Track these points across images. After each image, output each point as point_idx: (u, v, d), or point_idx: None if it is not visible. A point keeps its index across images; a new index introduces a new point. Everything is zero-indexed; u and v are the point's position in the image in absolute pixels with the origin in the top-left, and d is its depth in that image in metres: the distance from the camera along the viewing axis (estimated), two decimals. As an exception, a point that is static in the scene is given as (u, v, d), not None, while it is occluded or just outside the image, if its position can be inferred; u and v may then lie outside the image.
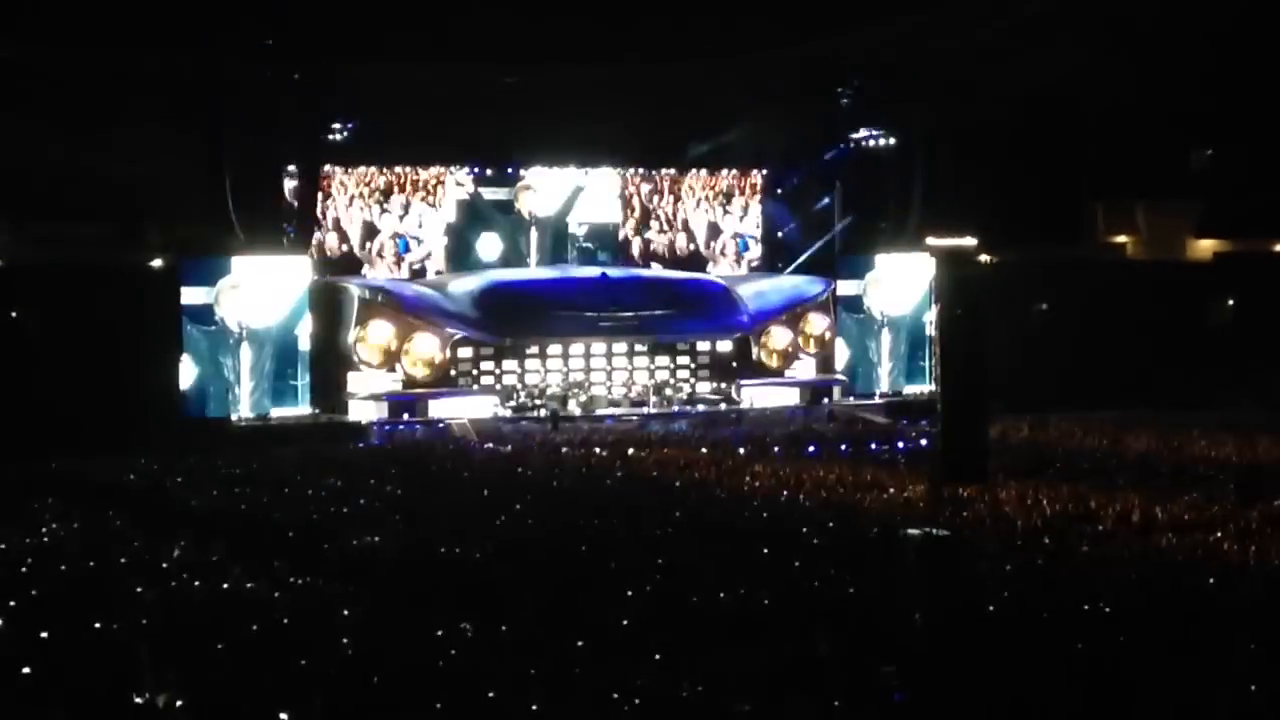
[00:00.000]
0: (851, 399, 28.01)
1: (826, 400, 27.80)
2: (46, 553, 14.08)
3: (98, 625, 10.93)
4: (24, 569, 13.23)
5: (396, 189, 27.98)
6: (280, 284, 24.88)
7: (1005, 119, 30.97)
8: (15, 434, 21.55)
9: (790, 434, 23.72)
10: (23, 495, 17.61)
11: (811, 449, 21.92)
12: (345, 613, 11.41)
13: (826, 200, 30.09)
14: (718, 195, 30.34)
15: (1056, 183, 34.52)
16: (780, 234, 30.76)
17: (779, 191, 30.84)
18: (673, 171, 30.09)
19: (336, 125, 26.47)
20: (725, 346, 27.65)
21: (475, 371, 26.27)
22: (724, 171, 30.42)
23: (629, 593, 11.95)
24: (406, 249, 27.93)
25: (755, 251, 30.53)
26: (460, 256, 28.38)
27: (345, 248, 27.48)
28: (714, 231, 30.29)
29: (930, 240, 30.33)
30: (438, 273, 27.95)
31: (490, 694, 9.24)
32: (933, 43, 28.51)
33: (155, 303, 24.57)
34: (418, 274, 27.77)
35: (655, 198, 29.98)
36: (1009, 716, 9.12)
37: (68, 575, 13.03)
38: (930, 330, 26.42)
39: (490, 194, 28.94)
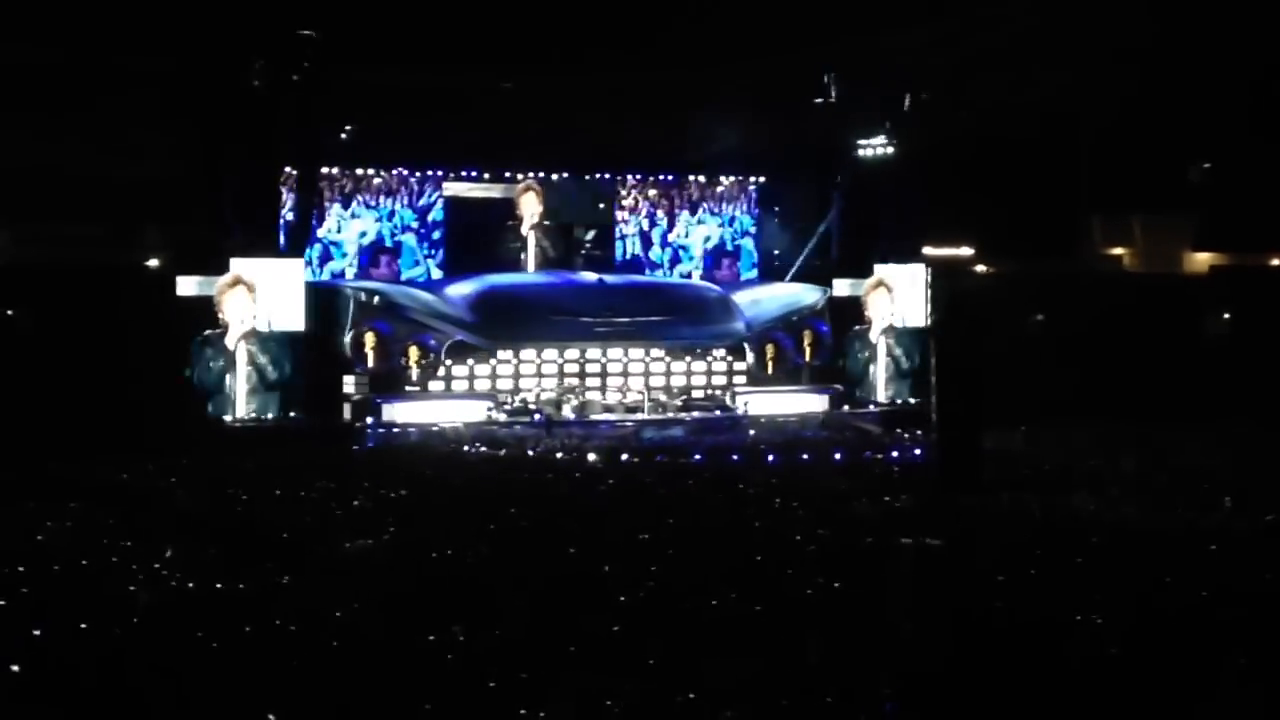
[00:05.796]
0: (846, 407, 27.96)
1: (822, 408, 27.73)
2: (40, 552, 14.04)
3: (85, 625, 10.92)
4: (18, 569, 13.18)
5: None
6: (277, 285, 24.82)
7: (1003, 131, 31.02)
8: (8, 435, 21.47)
9: (784, 441, 23.69)
10: (16, 496, 17.53)
11: (805, 457, 21.89)
12: (336, 614, 11.39)
13: (822, 210, 30.06)
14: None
15: (1054, 195, 34.59)
16: (775, 243, 30.73)
17: (773, 201, 30.79)
18: (669, 178, 30.01)
19: (334, 128, 26.43)
20: (721, 353, 27.60)
21: (469, 375, 26.17)
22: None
23: (621, 598, 11.94)
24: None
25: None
26: (456, 260, 28.25)
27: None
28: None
29: (928, 251, 30.42)
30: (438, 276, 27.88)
31: (480, 698, 9.23)
32: (931, 54, 28.52)
33: (150, 303, 24.50)
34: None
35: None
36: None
37: (60, 575, 12.99)
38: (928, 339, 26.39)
39: (487, 198, 28.89)
